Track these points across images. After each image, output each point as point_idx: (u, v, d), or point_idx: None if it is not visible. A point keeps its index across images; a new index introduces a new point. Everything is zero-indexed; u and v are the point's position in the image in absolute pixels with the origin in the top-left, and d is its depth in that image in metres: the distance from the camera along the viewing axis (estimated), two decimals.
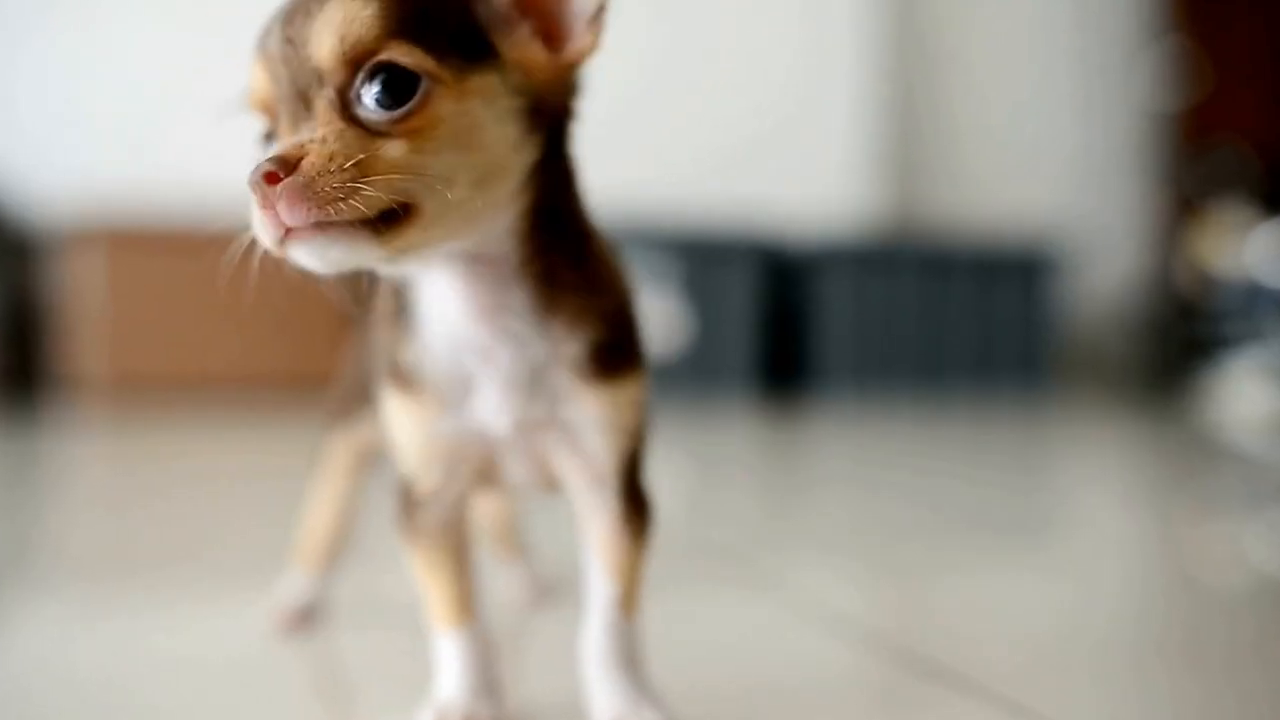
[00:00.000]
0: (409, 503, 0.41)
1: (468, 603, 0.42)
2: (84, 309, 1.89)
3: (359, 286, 0.46)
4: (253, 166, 0.32)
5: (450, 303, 0.38)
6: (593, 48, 0.36)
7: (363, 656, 0.55)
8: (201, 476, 1.18)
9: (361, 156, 0.32)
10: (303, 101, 0.33)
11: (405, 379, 0.39)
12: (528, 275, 0.38)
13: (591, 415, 0.39)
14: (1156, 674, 0.54)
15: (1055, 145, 2.93)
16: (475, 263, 0.37)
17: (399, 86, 0.33)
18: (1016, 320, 2.36)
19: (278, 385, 1.88)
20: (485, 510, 0.63)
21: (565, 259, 0.38)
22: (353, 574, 0.66)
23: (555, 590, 0.66)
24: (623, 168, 2.37)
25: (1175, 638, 0.61)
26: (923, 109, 2.82)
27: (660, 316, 2.09)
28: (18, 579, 0.70)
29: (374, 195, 0.32)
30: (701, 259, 2.14)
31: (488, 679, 0.42)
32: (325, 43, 0.33)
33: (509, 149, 0.35)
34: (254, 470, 1.23)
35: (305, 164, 0.31)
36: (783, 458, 1.56)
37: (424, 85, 0.33)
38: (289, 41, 0.33)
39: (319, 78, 0.33)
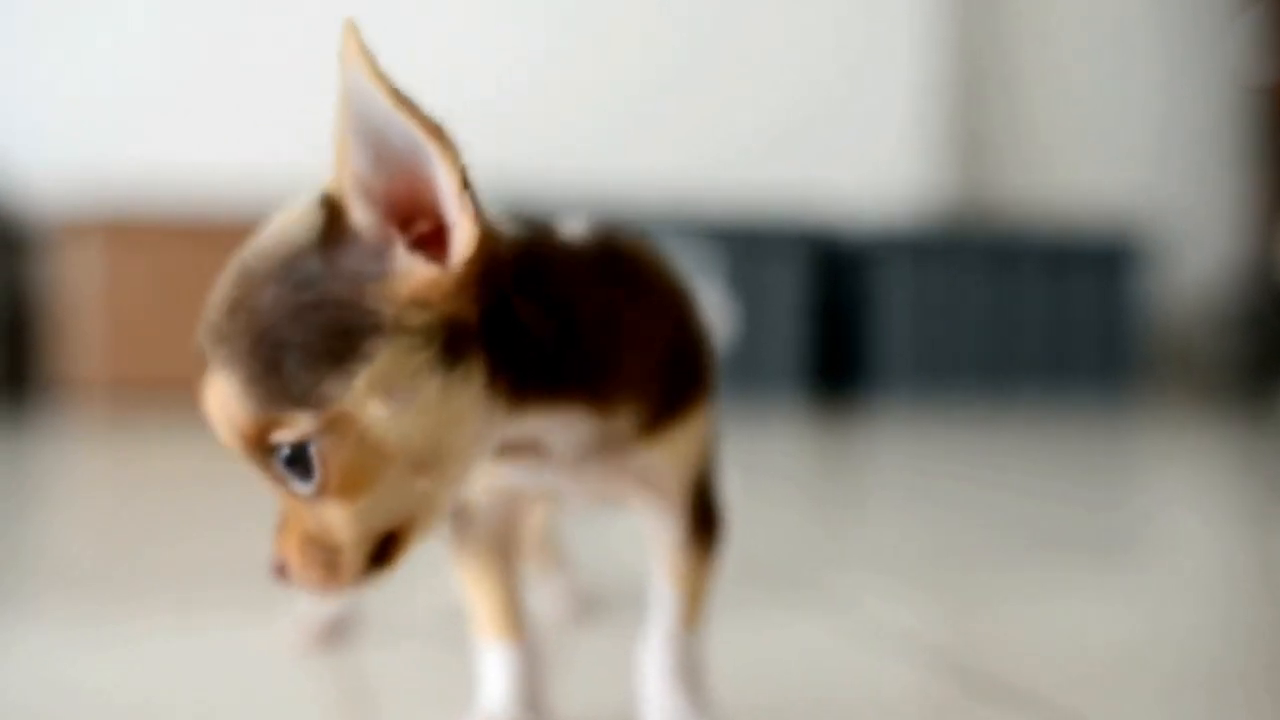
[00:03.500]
0: (460, 517, 0.45)
1: (514, 616, 0.45)
2: (79, 306, 1.94)
3: None
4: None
5: None
6: (474, 235, 0.33)
7: (393, 672, 0.58)
8: (207, 483, 1.21)
9: (324, 537, 0.35)
10: (245, 458, 0.35)
11: None
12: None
13: (657, 461, 0.42)
14: (1235, 702, 0.55)
15: (1139, 122, 2.92)
16: None
17: (300, 455, 0.34)
18: (1096, 316, 2.36)
19: None
20: (524, 522, 0.66)
21: (599, 367, 0.39)
22: (383, 586, 0.68)
23: (594, 603, 0.68)
24: (661, 152, 2.40)
25: (1262, 665, 0.62)
26: (990, 82, 2.82)
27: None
28: (8, 595, 0.73)
29: (355, 563, 0.35)
30: (747, 250, 2.16)
31: (532, 692, 0.45)
32: (219, 428, 0.34)
33: (447, 402, 0.34)
34: None
35: (292, 567, 0.36)
36: (835, 467, 1.57)
37: (316, 451, 0.33)
38: (203, 403, 0.35)
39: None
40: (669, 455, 0.42)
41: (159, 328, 1.92)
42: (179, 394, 1.92)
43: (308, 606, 0.62)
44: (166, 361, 1.92)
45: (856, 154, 2.54)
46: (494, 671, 0.45)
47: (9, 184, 2.05)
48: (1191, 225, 2.88)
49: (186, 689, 0.54)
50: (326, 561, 0.35)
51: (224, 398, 0.33)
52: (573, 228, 0.41)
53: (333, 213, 0.34)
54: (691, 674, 0.45)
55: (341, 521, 0.34)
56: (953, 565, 0.87)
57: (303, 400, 0.33)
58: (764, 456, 1.57)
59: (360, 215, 0.33)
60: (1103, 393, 2.35)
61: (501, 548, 0.45)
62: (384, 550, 0.36)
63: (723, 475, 0.47)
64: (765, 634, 0.65)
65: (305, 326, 0.33)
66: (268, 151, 2.15)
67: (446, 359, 0.34)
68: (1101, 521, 1.11)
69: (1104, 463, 1.61)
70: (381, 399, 0.33)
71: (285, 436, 0.33)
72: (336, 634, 0.61)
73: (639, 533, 0.46)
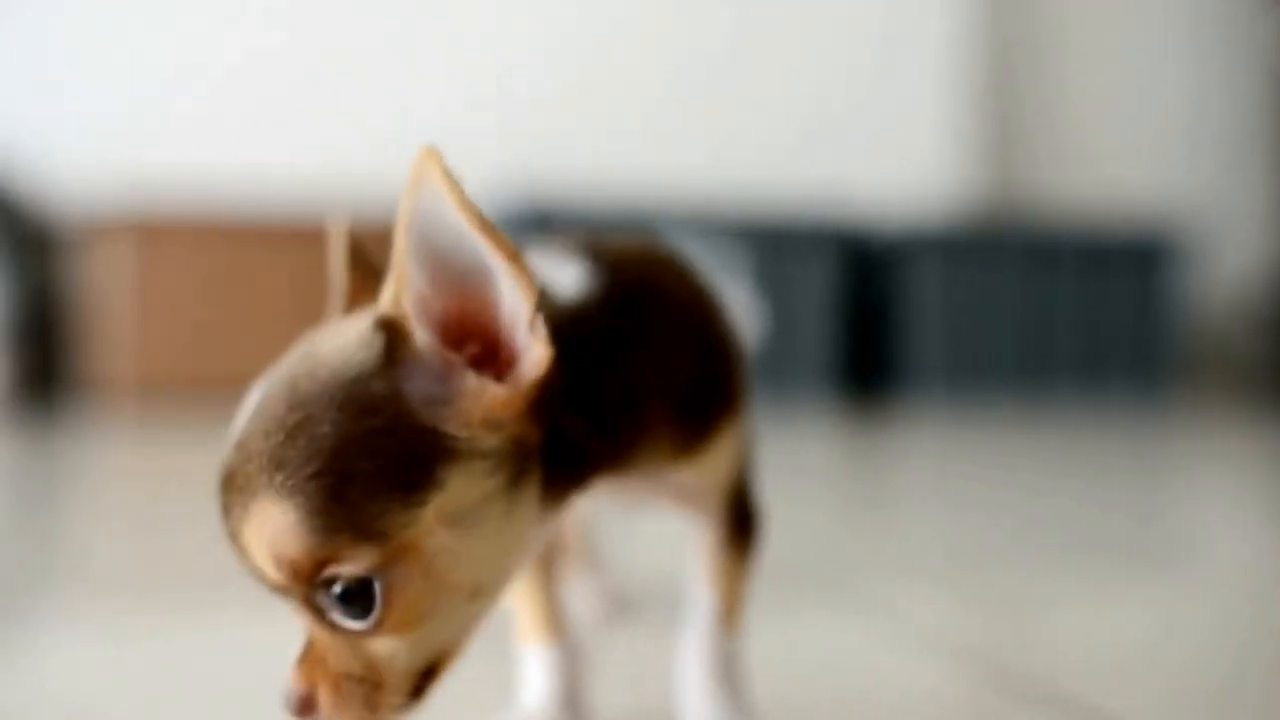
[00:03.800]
0: None
1: (555, 618, 0.46)
2: (109, 306, 1.97)
3: None
4: (283, 685, 0.33)
5: None
6: (544, 357, 0.33)
7: None
8: None
9: (365, 672, 0.33)
10: (281, 591, 0.33)
11: None
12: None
13: (692, 478, 0.43)
14: (1252, 704, 0.55)
15: (1174, 117, 2.90)
16: None
17: (359, 590, 0.32)
18: (1131, 316, 2.34)
19: None
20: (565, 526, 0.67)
21: (628, 441, 0.39)
22: None
23: (627, 603, 0.69)
24: (688, 149, 2.40)
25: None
26: (1022, 78, 2.81)
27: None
28: (39, 600, 0.74)
29: (399, 697, 0.34)
30: (775, 248, 2.16)
31: (572, 693, 0.46)
32: (261, 560, 0.32)
33: (510, 525, 0.34)
34: None
35: (323, 705, 0.33)
36: (865, 467, 1.57)
37: (380, 585, 0.32)
38: (232, 536, 0.33)
39: (275, 584, 0.33)
40: (703, 472, 0.43)
41: (187, 328, 1.94)
42: (207, 394, 1.94)
43: None
44: (195, 362, 1.95)
45: (886, 150, 2.54)
46: (534, 672, 0.46)
47: (39, 184, 2.08)
48: (1228, 223, 2.85)
49: (188, 689, 0.56)
50: (366, 698, 0.33)
51: (274, 529, 0.31)
52: (564, 279, 0.39)
53: (394, 335, 0.33)
54: (731, 675, 0.46)
55: (391, 655, 0.33)
56: (983, 567, 0.87)
57: (367, 531, 0.31)
58: (793, 456, 1.57)
59: (422, 337, 0.33)
60: (1137, 393, 2.33)
61: (542, 551, 0.46)
62: (421, 679, 0.34)
63: (759, 476, 0.47)
64: (793, 634, 0.65)
65: (374, 453, 0.31)
66: (296, 152, 2.18)
67: (512, 480, 0.33)
68: (1134, 523, 1.11)
69: (1138, 464, 1.60)
70: (449, 527, 0.32)
71: (346, 570, 0.31)
72: None
73: (669, 533, 0.47)
